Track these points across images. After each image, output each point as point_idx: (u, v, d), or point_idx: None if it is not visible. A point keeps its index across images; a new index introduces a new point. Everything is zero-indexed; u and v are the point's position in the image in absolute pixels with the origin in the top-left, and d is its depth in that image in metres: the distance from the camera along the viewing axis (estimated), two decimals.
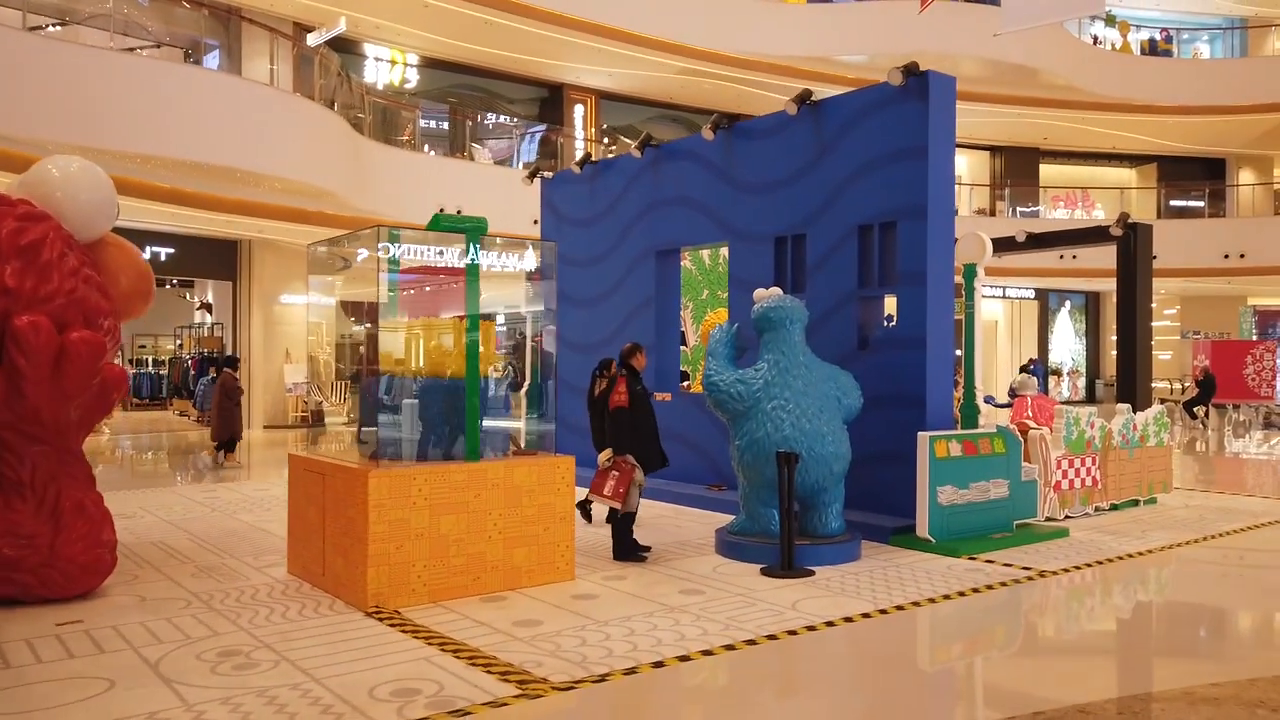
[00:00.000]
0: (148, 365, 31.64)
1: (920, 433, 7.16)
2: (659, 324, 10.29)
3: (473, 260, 5.74)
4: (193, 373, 26.68)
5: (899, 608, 5.46)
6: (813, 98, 8.52)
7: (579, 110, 25.84)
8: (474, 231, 5.75)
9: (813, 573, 6.23)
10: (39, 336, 5.34)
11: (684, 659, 4.48)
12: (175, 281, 27.69)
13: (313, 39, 19.63)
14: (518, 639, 4.76)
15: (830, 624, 5.10)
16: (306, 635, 4.81)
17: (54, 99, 12.80)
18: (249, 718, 3.70)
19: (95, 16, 16.81)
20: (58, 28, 18.07)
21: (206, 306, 26.28)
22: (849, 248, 8.19)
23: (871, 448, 7.45)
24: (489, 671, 4.24)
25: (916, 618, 5.38)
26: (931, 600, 5.63)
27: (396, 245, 5.59)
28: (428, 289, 6.30)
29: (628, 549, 6.63)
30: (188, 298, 29.96)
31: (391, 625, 4.98)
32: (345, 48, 21.59)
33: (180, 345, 30.95)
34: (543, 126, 25.08)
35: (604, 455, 6.59)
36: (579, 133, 25.55)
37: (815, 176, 8.48)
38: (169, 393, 28.07)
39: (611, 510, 6.73)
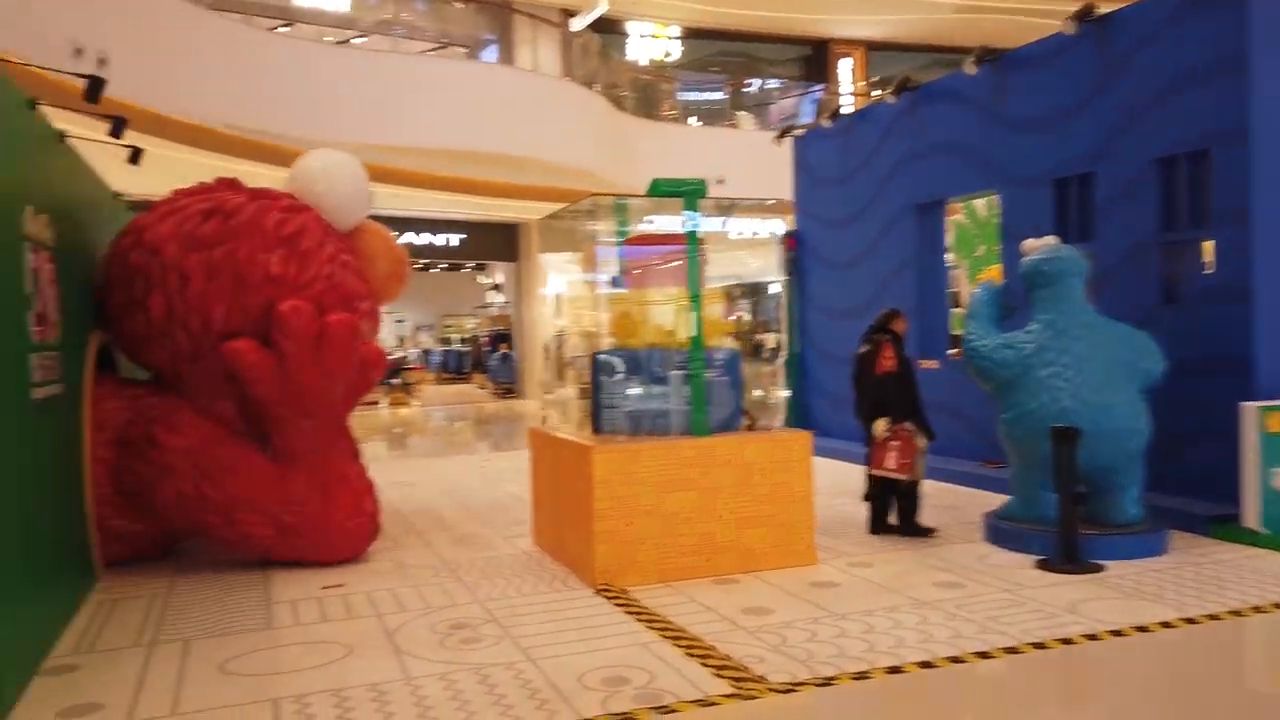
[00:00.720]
0: (453, 343, 34.64)
1: (1245, 403, 5.92)
2: (921, 285, 9.43)
3: (692, 225, 5.41)
4: (486, 349, 28.84)
5: (1213, 617, 4.48)
6: (1096, 12, 7.29)
7: (845, 65, 24.67)
8: (692, 195, 5.42)
9: (1101, 568, 5.33)
10: (300, 319, 5.71)
11: (927, 665, 3.92)
12: (471, 265, 29.89)
13: (576, 23, 20.19)
14: (742, 628, 4.42)
15: (1118, 633, 4.28)
16: (534, 611, 4.77)
17: (342, 101, 14.10)
18: (459, 696, 3.67)
19: (381, 23, 18.29)
20: (362, 39, 19.93)
21: (496, 287, 28.20)
22: (1147, 185, 6.94)
23: (1183, 422, 6.27)
24: (705, 664, 3.94)
25: (1238, 631, 4.39)
26: (1259, 609, 4.58)
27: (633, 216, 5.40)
28: (663, 258, 6.07)
29: (913, 524, 6.27)
30: (481, 280, 32.41)
31: (617, 605, 4.83)
32: (608, 28, 22.01)
33: (477, 324, 33.57)
34: (818, 87, 24.23)
35: (880, 425, 6.09)
36: (846, 88, 24.42)
37: (1102, 105, 7.27)
38: (470, 368, 30.60)
39: (884, 483, 6.22)
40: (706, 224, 5.81)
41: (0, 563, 3.64)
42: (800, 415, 10.99)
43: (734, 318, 6.44)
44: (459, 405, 21.07)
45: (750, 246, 7.48)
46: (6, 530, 3.75)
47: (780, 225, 6.06)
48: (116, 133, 5.08)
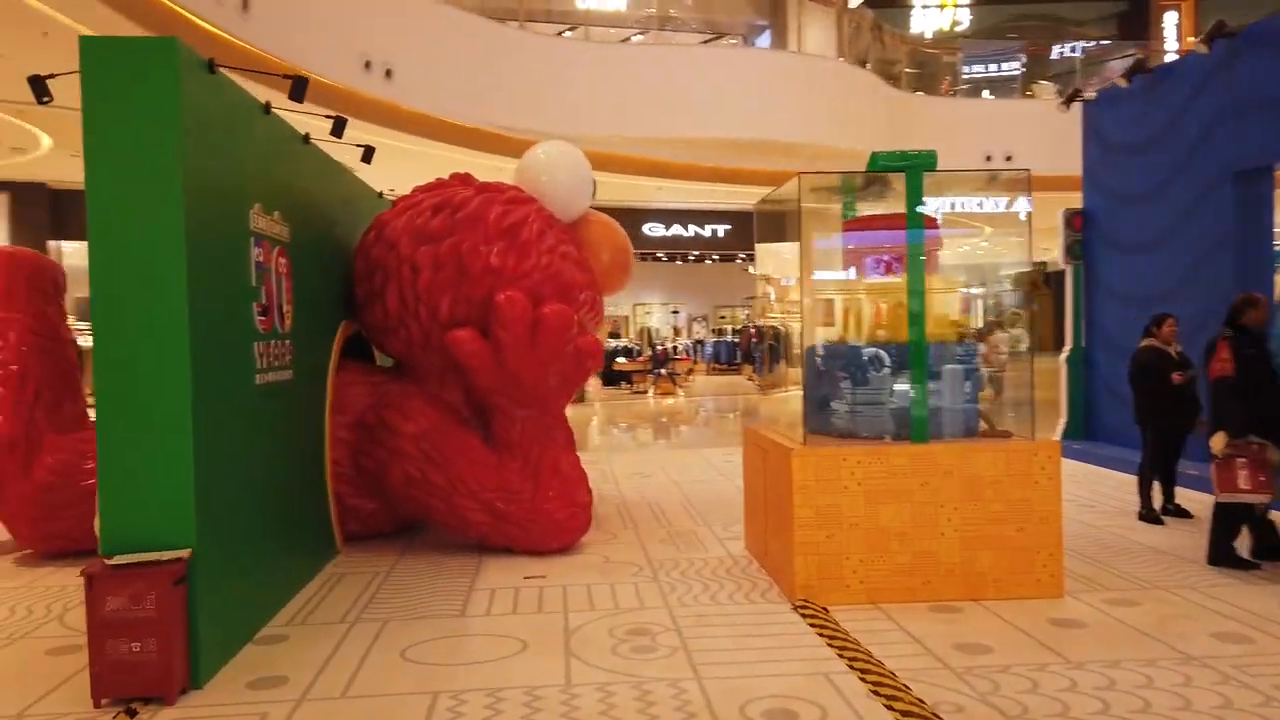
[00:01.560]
0: (726, 334, 34.78)
1: None
2: (1241, 271, 7.89)
3: (915, 204, 4.79)
4: (754, 340, 28.63)
5: None
6: None
7: (1170, 18, 21.68)
8: (915, 169, 4.79)
9: None
10: (514, 309, 5.77)
11: None
12: (743, 256, 29.74)
13: (854, 1, 19.34)
14: (948, 667, 3.82)
15: None
16: (720, 623, 4.45)
17: (613, 97, 14.41)
18: (610, 712, 3.45)
19: (653, 18, 18.55)
20: (638, 36, 20.38)
21: (765, 278, 27.85)
22: None
23: None
24: (890, 706, 3.43)
25: None
26: None
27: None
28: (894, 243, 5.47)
29: (1225, 552, 5.31)
30: (752, 270, 32.19)
31: (812, 624, 4.38)
32: (888, 2, 20.90)
33: (747, 315, 33.43)
34: (1135, 47, 21.55)
35: (1218, 441, 5.14)
36: (1172, 45, 21.45)
37: None
38: (740, 359, 30.54)
39: (1233, 508, 5.24)
40: (942, 203, 5.16)
41: (220, 536, 3.93)
42: (1081, 420, 9.68)
43: (973, 309, 5.68)
44: (724, 397, 21.02)
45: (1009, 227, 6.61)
46: (227, 503, 4.04)
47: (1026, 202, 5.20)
48: (337, 132, 5.37)
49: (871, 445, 4.79)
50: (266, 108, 4.86)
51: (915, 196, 4.82)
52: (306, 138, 5.67)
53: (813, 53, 18.51)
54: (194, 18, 8.73)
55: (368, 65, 11.49)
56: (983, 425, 5.13)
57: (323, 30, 10.78)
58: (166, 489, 3.71)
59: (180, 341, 3.71)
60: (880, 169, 4.93)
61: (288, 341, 5.06)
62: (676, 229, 24.52)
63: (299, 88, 4.43)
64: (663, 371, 23.64)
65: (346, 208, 6.49)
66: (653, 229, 24.01)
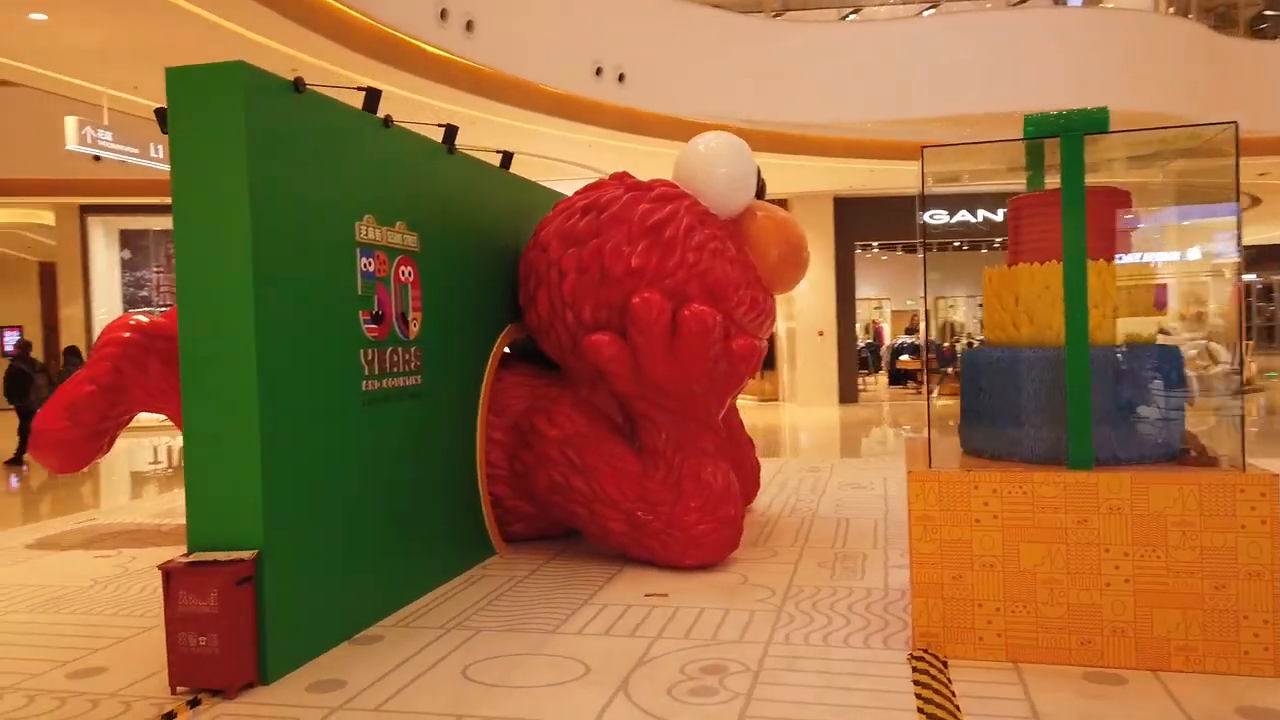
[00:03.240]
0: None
1: None
2: None
3: (1072, 176, 3.87)
4: None
5: None
6: None
7: None
8: (1073, 131, 3.87)
9: None
10: (649, 312, 5.50)
11: None
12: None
13: None
14: None
15: None
16: (810, 669, 3.89)
17: (856, 80, 13.54)
18: None
19: None
20: (930, 11, 19.15)
21: None
22: None
23: None
24: None
25: None
26: None
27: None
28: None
29: None
30: None
31: (918, 681, 3.68)
32: None
33: None
34: None
35: None
36: None
37: None
38: None
39: None
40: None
41: (298, 538, 4.09)
42: None
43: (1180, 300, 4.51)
44: None
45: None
46: (309, 507, 4.19)
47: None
48: (448, 140, 5.40)
49: (1011, 470, 3.95)
50: (386, 121, 4.99)
51: (1073, 167, 3.90)
52: (451, 148, 5.78)
53: (1131, 8, 16.17)
54: (419, 43, 9.33)
55: (599, 72, 11.69)
56: (1191, 449, 4.06)
57: (549, 41, 11.08)
58: (237, 492, 3.90)
59: (247, 352, 3.87)
60: (1032, 135, 4.06)
61: (414, 349, 5.18)
62: (963, 215, 22.68)
63: (371, 99, 4.47)
64: (950, 370, 22.01)
65: (512, 213, 6.56)
66: (935, 216, 22.37)
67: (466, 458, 5.87)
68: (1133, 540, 3.76)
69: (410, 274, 5.17)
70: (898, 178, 17.13)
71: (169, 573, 3.78)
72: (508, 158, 6.24)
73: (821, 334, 19.10)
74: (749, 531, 6.64)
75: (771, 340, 20.54)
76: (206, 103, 3.89)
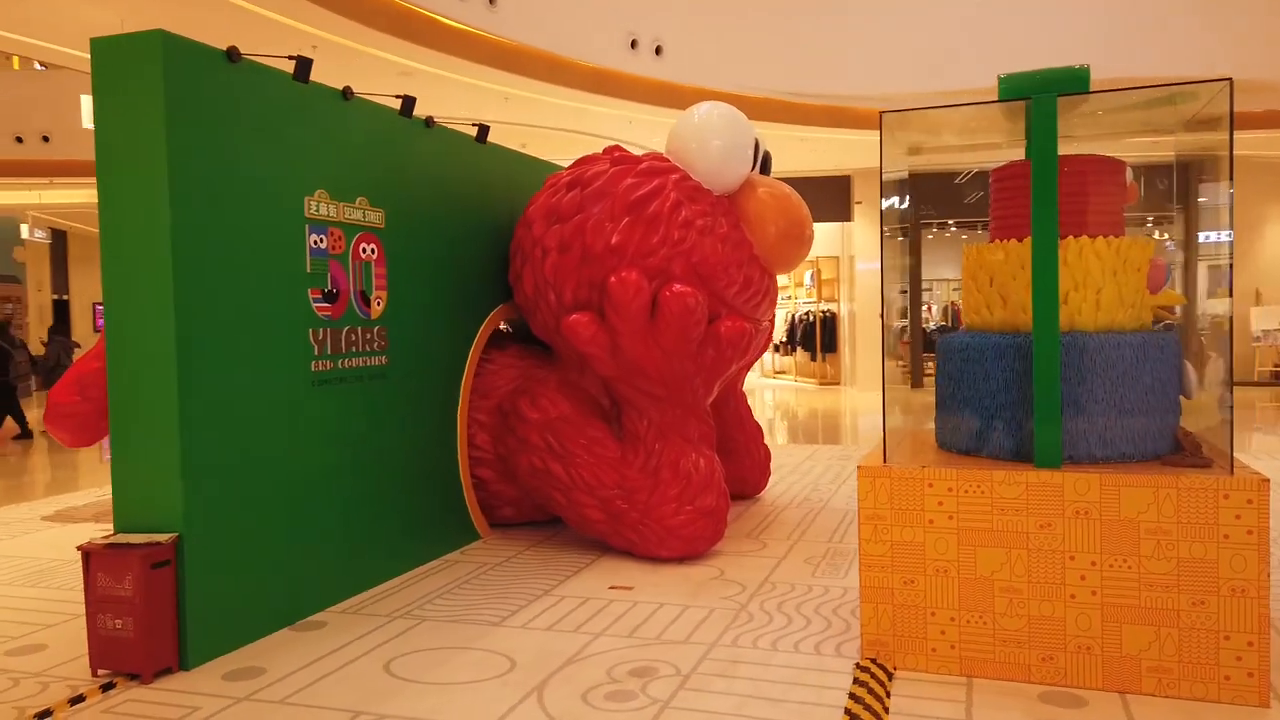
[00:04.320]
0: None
1: None
2: None
3: (1042, 142, 3.47)
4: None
5: None
6: None
7: None
8: (1045, 92, 3.47)
9: None
10: (626, 291, 5.26)
11: None
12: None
13: None
14: None
15: None
16: (746, 675, 3.62)
17: (908, 47, 12.90)
18: None
19: None
20: None
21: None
22: None
23: None
24: None
25: None
26: None
27: None
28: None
29: None
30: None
31: (854, 694, 3.38)
32: None
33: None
34: None
35: None
36: None
37: None
38: None
39: None
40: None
41: (226, 522, 4.01)
42: None
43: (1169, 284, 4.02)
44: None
45: None
46: (239, 488, 4.10)
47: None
48: (406, 111, 5.21)
49: (967, 468, 3.59)
50: (345, 93, 4.84)
51: (1044, 132, 3.49)
52: (429, 121, 5.62)
53: None
54: (439, 16, 9.20)
55: (634, 44, 11.39)
56: (1185, 448, 3.64)
57: (580, 13, 10.82)
58: (158, 474, 3.82)
59: (165, 331, 3.77)
60: (1005, 96, 3.66)
61: (378, 328, 5.05)
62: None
63: (302, 68, 4.31)
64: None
65: (504, 189, 6.37)
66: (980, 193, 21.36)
67: (445, 440, 5.73)
68: (1101, 548, 3.37)
69: (373, 251, 5.03)
70: (968, 152, 16.34)
71: (87, 554, 3.73)
72: (484, 131, 6.03)
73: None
74: (744, 522, 6.37)
75: (833, 322, 20.03)
76: (126, 73, 3.79)
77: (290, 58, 4.23)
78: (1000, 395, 3.73)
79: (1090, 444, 3.57)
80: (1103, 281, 3.67)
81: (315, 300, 4.59)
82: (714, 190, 5.80)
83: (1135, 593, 3.34)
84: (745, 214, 5.88)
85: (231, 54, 4.09)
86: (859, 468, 3.68)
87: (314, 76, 4.49)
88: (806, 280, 20.66)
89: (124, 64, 3.81)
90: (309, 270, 4.55)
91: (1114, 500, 3.35)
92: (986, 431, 3.77)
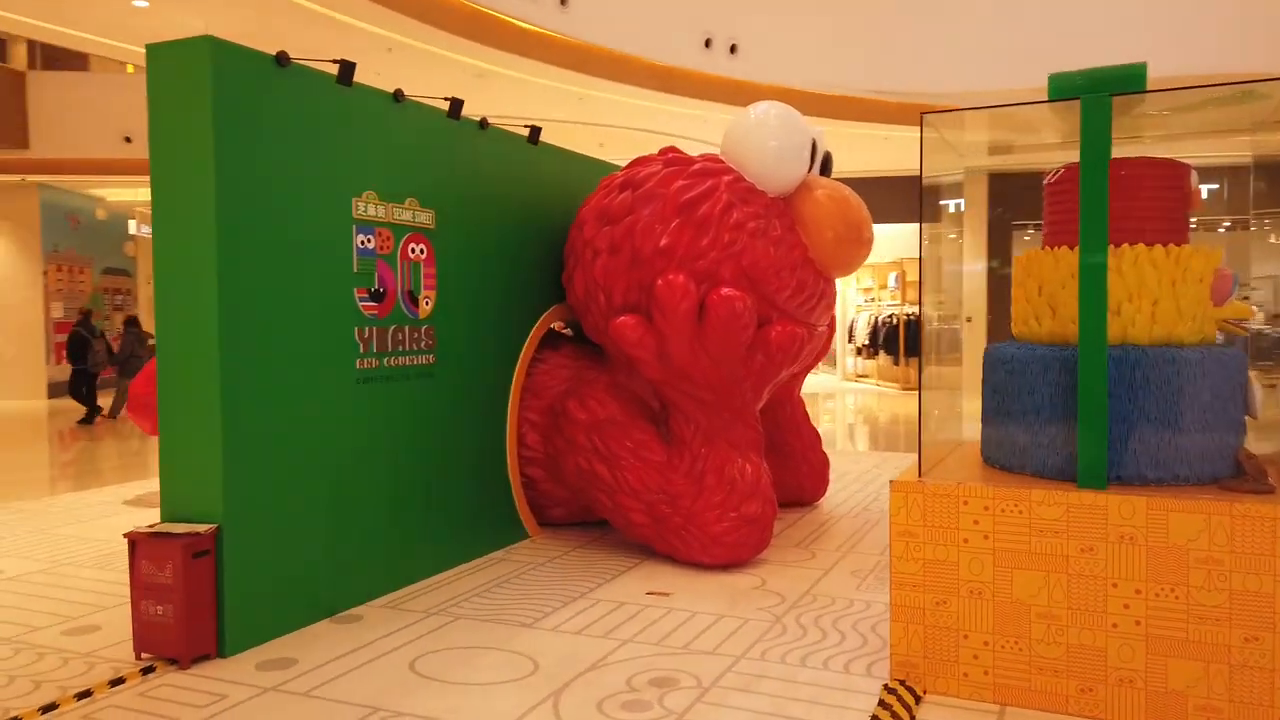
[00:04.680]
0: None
1: None
2: None
3: (1096, 144, 3.28)
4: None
5: None
6: None
7: None
8: (1097, 92, 3.28)
9: None
10: (672, 294, 5.21)
11: None
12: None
13: None
14: None
15: None
16: (767, 690, 3.54)
17: (1002, 39, 12.46)
18: None
19: None
20: None
21: None
22: None
23: None
24: None
25: None
26: None
27: None
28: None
29: None
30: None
31: (876, 717, 3.27)
32: None
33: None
34: None
35: None
36: None
37: None
38: None
39: None
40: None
41: (267, 513, 4.11)
42: None
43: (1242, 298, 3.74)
44: None
45: None
46: (281, 482, 4.21)
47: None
48: (454, 113, 5.24)
49: (1006, 486, 3.43)
50: (396, 96, 4.91)
51: (1097, 134, 3.30)
52: (483, 122, 5.67)
53: None
54: (509, 18, 9.29)
55: (708, 43, 11.30)
56: (1248, 471, 3.40)
57: (651, 13, 10.79)
58: (202, 465, 3.94)
59: (210, 327, 3.89)
60: (1056, 96, 3.48)
61: (426, 327, 5.11)
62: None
63: (345, 72, 4.37)
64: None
65: (560, 189, 6.38)
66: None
67: (494, 439, 5.78)
68: (1147, 576, 3.18)
69: (423, 251, 5.10)
70: (1061, 152, 15.73)
71: (133, 541, 3.87)
72: (535, 132, 6.05)
73: (970, 320, 17.93)
74: (796, 531, 6.25)
75: (916, 326, 19.53)
76: (177, 79, 3.92)
77: (334, 61, 4.31)
78: (1045, 411, 3.55)
79: (1141, 464, 3.37)
80: (1159, 292, 3.45)
81: (361, 299, 4.67)
82: (769, 192, 5.69)
83: (1183, 625, 3.13)
84: (801, 217, 5.75)
85: (281, 59, 4.19)
86: (891, 482, 3.55)
87: (390, 80, 4.58)
88: (891, 283, 20.19)
89: (175, 70, 3.94)
90: (356, 270, 4.63)
91: (1162, 526, 3.15)
92: (1031, 448, 3.59)
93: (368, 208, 4.70)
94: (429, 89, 4.99)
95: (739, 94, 11.98)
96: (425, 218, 5.11)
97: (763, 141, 5.68)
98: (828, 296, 5.96)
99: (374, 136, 4.77)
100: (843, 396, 18.03)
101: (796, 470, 6.95)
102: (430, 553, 5.21)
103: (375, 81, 4.91)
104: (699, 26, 11.29)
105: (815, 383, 19.79)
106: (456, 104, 5.16)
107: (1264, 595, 3.03)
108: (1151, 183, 3.57)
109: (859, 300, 21.28)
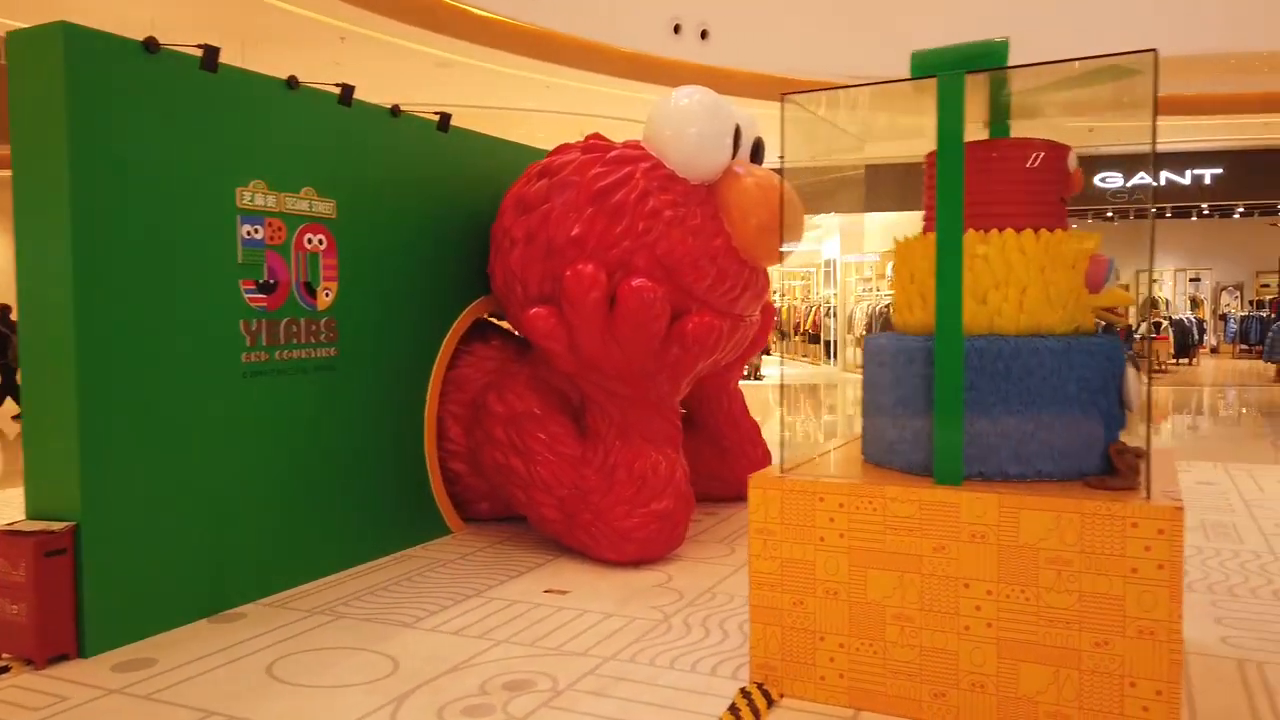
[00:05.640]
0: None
1: None
2: None
3: (949, 123, 3.12)
4: (1274, 315, 22.86)
5: None
6: None
7: None
8: (954, 71, 3.11)
9: None
10: (580, 284, 5.08)
11: None
12: (1241, 210, 23.47)
13: None
14: None
15: None
16: (622, 694, 3.42)
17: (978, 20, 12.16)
18: None
19: None
20: None
21: None
22: None
23: None
24: None
25: None
26: None
27: None
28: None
29: None
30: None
31: None
32: None
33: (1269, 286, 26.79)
34: None
35: None
36: None
37: None
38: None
39: None
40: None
41: (130, 512, 4.03)
42: None
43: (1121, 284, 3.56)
44: (1224, 387, 16.87)
45: None
46: (145, 479, 4.12)
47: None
48: (345, 100, 5.10)
49: (862, 482, 3.28)
50: (290, 83, 4.81)
51: (951, 113, 3.14)
52: (395, 110, 5.55)
53: None
54: (465, 6, 9.15)
55: (677, 29, 11.12)
56: (1120, 466, 3.23)
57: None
58: (60, 462, 3.86)
59: (66, 320, 3.80)
60: (917, 74, 3.32)
61: (326, 320, 5.02)
62: (1142, 178, 20.20)
63: (208, 58, 4.26)
64: (1126, 352, 19.83)
65: (489, 179, 6.24)
66: (1108, 179, 20.06)
67: (410, 433, 5.68)
68: (999, 576, 3.03)
69: (322, 242, 5.00)
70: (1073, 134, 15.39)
71: None
72: (445, 120, 5.92)
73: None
74: (725, 527, 6.12)
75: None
76: (33, 65, 3.84)
77: (199, 46, 4.20)
78: (911, 404, 3.39)
79: (1003, 460, 3.21)
80: (1028, 279, 3.29)
81: (249, 291, 4.58)
82: (690, 179, 5.54)
83: (1033, 628, 2.98)
84: (725, 204, 5.59)
85: (149, 45, 4.09)
86: (750, 479, 3.41)
87: (349, 70, 4.47)
88: (889, 272, 19.95)
89: (31, 58, 3.85)
90: (241, 261, 4.54)
91: (1013, 524, 3.00)
92: (898, 443, 3.44)
93: (255, 197, 4.60)
94: (389, 79, 4.90)
95: (712, 80, 11.74)
96: (325, 207, 5.01)
97: (682, 128, 5.52)
98: (755, 286, 5.80)
99: (262, 124, 4.67)
100: (844, 387, 17.82)
101: (735, 464, 6.79)
102: (335, 549, 5.12)
103: (333, 72, 4.82)
104: (667, 12, 11.11)
105: (816, 373, 19.58)
106: (348, 90, 5.05)
107: (1114, 597, 2.87)
108: (1024, 164, 3.40)
109: (859, 290, 21.04)
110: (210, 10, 8.59)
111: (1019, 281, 3.30)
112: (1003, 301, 3.30)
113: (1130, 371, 3.34)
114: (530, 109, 12.02)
